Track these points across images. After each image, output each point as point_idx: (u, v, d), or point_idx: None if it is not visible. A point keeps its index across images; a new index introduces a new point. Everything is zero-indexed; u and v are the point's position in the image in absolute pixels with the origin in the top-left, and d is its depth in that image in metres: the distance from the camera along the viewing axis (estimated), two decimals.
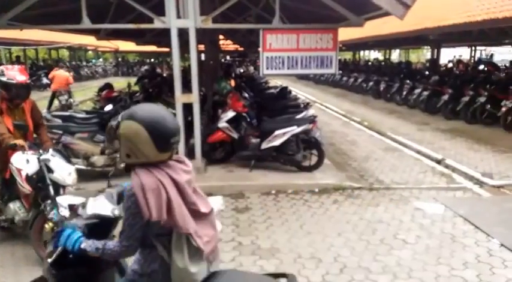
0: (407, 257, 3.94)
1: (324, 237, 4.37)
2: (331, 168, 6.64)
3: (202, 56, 11.03)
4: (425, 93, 12.33)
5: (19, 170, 3.56)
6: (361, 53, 32.01)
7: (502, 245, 4.16)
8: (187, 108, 6.22)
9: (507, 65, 16.89)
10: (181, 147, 6.12)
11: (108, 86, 8.40)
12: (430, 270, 3.71)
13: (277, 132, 6.22)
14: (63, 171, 3.59)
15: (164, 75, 13.15)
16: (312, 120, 6.53)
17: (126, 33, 11.44)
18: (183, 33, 6.05)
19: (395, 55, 36.23)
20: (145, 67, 12.33)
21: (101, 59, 39.50)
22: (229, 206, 5.24)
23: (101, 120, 6.10)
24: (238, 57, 28.28)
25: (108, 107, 6.45)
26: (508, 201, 5.46)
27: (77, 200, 3.25)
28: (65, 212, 3.31)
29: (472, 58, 23.87)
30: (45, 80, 19.44)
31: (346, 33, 16.87)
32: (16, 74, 3.79)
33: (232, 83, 7.85)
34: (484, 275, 3.63)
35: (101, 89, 8.80)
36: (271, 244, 4.21)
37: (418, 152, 8.15)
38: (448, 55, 25.35)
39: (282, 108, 7.69)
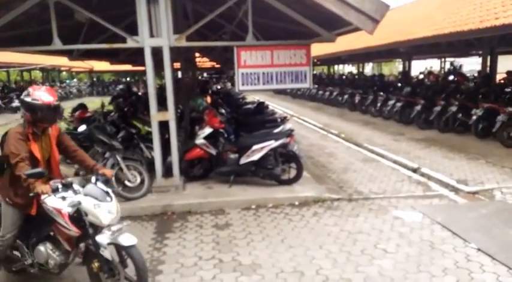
0: (388, 267, 3.96)
1: (305, 250, 4.36)
2: (310, 181, 6.66)
3: (180, 74, 11.05)
4: (399, 104, 12.61)
5: (58, 211, 3.18)
6: (336, 67, 32.64)
7: (479, 249, 4.24)
8: (164, 126, 6.18)
9: (475, 75, 17.50)
10: (158, 165, 6.08)
11: (82, 106, 8.28)
12: (411, 279, 3.74)
13: (255, 147, 6.23)
14: (99, 210, 3.15)
15: (139, 93, 13.08)
16: (289, 134, 6.56)
17: (100, 53, 11.35)
18: (158, 52, 6.05)
19: (369, 68, 37.09)
20: (121, 86, 12.27)
21: (75, 80, 38.91)
22: (209, 223, 5.17)
23: (75, 141, 5.98)
24: (215, 74, 28.41)
25: (82, 128, 6.34)
26: (483, 207, 5.58)
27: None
28: (107, 254, 3.21)
29: (442, 69, 24.66)
30: (16, 103, 18.99)
31: (320, 48, 17.27)
32: (42, 95, 3.30)
33: (209, 99, 7.84)
34: (463, 280, 3.68)
35: (74, 110, 8.65)
36: (252, 260, 4.16)
37: (395, 161, 8.29)
38: (419, 67, 26.10)
39: (259, 123, 7.72)
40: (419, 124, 11.52)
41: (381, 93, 14.25)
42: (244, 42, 6.33)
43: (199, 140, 6.49)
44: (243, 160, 6.27)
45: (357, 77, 23.69)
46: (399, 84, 16.08)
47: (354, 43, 15.27)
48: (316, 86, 21.53)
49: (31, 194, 3.11)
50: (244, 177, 6.44)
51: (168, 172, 6.19)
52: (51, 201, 3.20)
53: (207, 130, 6.56)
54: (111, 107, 9.05)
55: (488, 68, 13.31)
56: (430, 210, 5.41)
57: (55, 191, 3.15)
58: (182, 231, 4.93)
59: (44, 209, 3.27)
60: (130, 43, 5.98)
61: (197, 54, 15.97)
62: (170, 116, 6.05)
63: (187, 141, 7.13)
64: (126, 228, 3.30)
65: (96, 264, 3.27)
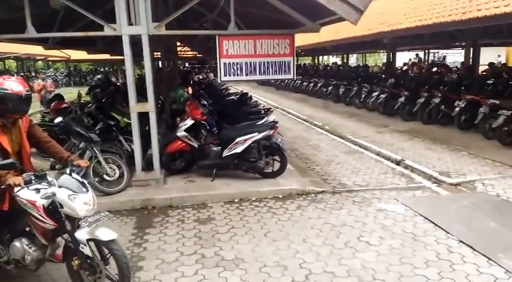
0: (371, 259, 3.94)
1: (289, 243, 4.31)
2: (294, 174, 6.60)
3: (160, 64, 10.82)
4: (383, 96, 12.63)
5: (33, 203, 3.06)
6: (321, 57, 32.63)
7: (460, 241, 4.25)
8: (145, 117, 6.02)
9: (458, 66, 17.68)
10: (138, 158, 5.93)
11: (58, 97, 8.02)
12: (393, 271, 3.72)
13: (238, 140, 6.12)
14: (75, 202, 3.04)
15: (118, 84, 12.79)
16: (273, 126, 6.47)
17: (77, 42, 11.03)
18: (137, 41, 5.87)
19: (353, 59, 37.22)
20: (99, 76, 11.96)
21: (51, 69, 37.86)
22: (191, 217, 5.07)
23: (50, 133, 5.77)
24: (197, 64, 28.07)
25: (58, 119, 6.13)
26: (464, 199, 5.61)
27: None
28: (87, 250, 3.09)
29: (426, 61, 24.87)
30: None
31: (304, 39, 17.15)
32: (12, 84, 3.17)
33: (190, 90, 7.69)
34: (445, 272, 3.68)
35: (50, 100, 8.38)
36: (235, 254, 4.09)
37: (378, 153, 8.30)
38: (403, 58, 26.27)
39: (242, 115, 7.60)
40: (403, 116, 11.57)
41: (365, 85, 14.26)
42: (226, 31, 6.20)
43: (181, 132, 6.34)
44: (226, 153, 6.16)
45: (341, 68, 23.70)
46: (383, 76, 16.11)
47: (338, 34, 15.21)
48: (300, 77, 21.44)
49: (3, 187, 2.99)
50: (227, 170, 6.34)
51: (148, 165, 6.05)
52: (24, 194, 3.08)
53: (189, 122, 6.41)
54: (88, 98, 8.78)
55: (471, 60, 13.43)
56: (412, 202, 5.42)
57: (28, 182, 3.03)
58: (163, 226, 4.82)
59: (17, 203, 3.14)
60: (108, 31, 5.78)
61: (179, 44, 15.74)
62: (150, 107, 5.89)
63: (168, 133, 6.98)
64: (105, 219, 3.19)
65: (76, 262, 3.16)
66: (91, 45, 12.10)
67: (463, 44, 15.04)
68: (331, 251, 4.13)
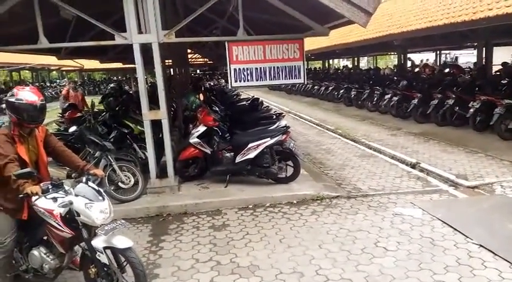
0: (389, 265, 3.87)
1: (304, 249, 4.27)
2: (308, 179, 6.56)
3: (172, 71, 10.89)
4: (395, 98, 12.51)
5: (50, 212, 3.09)
6: (331, 61, 32.51)
7: (480, 246, 4.16)
8: (158, 125, 6.05)
9: (471, 67, 17.42)
10: (152, 165, 5.95)
11: (72, 107, 8.12)
12: (412, 277, 3.65)
13: (250, 145, 6.11)
14: (91, 210, 3.04)
15: (131, 92, 12.90)
16: (285, 130, 6.43)
17: (89, 52, 11.17)
18: (148, 49, 5.92)
19: (364, 62, 36.99)
20: (112, 85, 12.10)
21: (65, 79, 38.43)
22: (205, 224, 5.06)
23: (66, 142, 5.84)
24: (208, 70, 28.21)
25: (72, 128, 6.20)
26: (483, 202, 5.50)
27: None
28: (103, 258, 3.11)
29: (436, 62, 24.58)
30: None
31: (314, 42, 17.16)
32: (27, 94, 3.21)
33: (202, 97, 7.70)
34: (465, 278, 3.59)
35: (64, 110, 8.48)
36: (250, 261, 4.06)
37: (393, 157, 8.21)
38: (415, 60, 26.01)
39: (254, 120, 7.59)
40: (417, 118, 11.44)
41: (377, 88, 14.14)
42: (235, 37, 6.21)
43: (193, 139, 6.35)
44: (239, 158, 6.15)
45: (352, 71, 23.57)
46: (395, 78, 15.95)
47: (348, 37, 15.14)
48: (311, 81, 21.38)
49: (20, 196, 2.99)
50: (240, 176, 6.33)
51: (162, 172, 6.07)
52: (42, 203, 3.11)
53: (201, 128, 6.42)
54: (102, 107, 8.87)
55: (483, 60, 13.22)
56: (430, 206, 5.33)
57: (45, 191, 3.04)
58: (178, 233, 4.82)
59: (35, 212, 3.18)
60: (119, 40, 5.85)
61: (189, 51, 15.85)
62: (162, 114, 5.92)
63: (181, 140, 6.99)
64: (121, 227, 3.21)
65: (93, 270, 3.17)
66: (103, 54, 12.26)
67: (475, 44, 14.83)
68: (348, 257, 4.08)
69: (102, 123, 6.75)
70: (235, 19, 6.61)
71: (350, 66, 27.93)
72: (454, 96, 10.33)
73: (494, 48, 13.89)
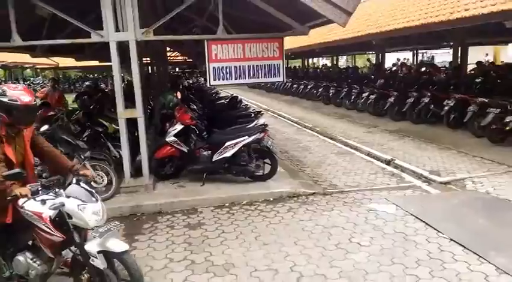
0: (362, 260, 3.93)
1: (279, 246, 4.28)
2: (285, 176, 6.59)
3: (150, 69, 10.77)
4: (373, 96, 12.69)
5: (39, 215, 2.94)
6: (310, 60, 32.71)
7: (451, 240, 4.26)
8: (133, 123, 5.98)
9: (447, 66, 17.80)
10: (126, 164, 5.88)
11: (45, 105, 7.93)
12: (384, 271, 3.71)
13: (228, 143, 6.11)
14: (84, 212, 2.92)
15: (107, 90, 12.71)
16: (263, 129, 6.45)
17: (65, 49, 10.93)
18: (126, 47, 5.84)
19: (343, 61, 37.35)
20: (87, 83, 11.84)
21: (40, 77, 37.46)
22: (180, 223, 5.03)
23: None
24: (187, 68, 28.02)
25: (44, 127, 6.05)
26: (454, 197, 5.64)
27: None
28: (98, 263, 2.95)
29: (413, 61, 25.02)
30: None
31: (293, 41, 17.24)
32: (21, 94, 3.04)
33: (179, 95, 7.65)
34: (436, 271, 3.68)
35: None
36: (225, 259, 4.06)
37: (369, 154, 8.32)
38: (392, 59, 26.43)
39: (232, 119, 7.57)
40: (393, 116, 11.63)
41: (355, 86, 14.32)
42: (214, 36, 6.19)
43: (170, 138, 6.30)
44: (216, 157, 6.14)
45: (331, 70, 23.78)
46: (373, 77, 16.18)
47: (328, 36, 15.27)
48: (290, 79, 21.49)
49: (8, 198, 2.83)
50: (217, 174, 6.32)
51: (137, 172, 6.00)
52: (29, 206, 2.94)
53: (178, 127, 6.38)
54: (76, 105, 8.70)
55: (459, 59, 13.54)
56: (403, 202, 5.42)
57: (35, 193, 2.88)
58: (152, 233, 4.77)
59: (21, 215, 3.00)
60: (95, 38, 5.75)
61: (168, 49, 15.70)
62: (138, 113, 5.85)
63: (157, 139, 6.92)
64: (115, 229, 3.10)
65: (85, 276, 3.01)
66: (79, 52, 12.02)
67: (451, 43, 15.13)
68: (322, 253, 4.11)
69: (76, 122, 6.62)
70: (214, 17, 6.59)
71: (329, 65, 28.18)
72: (429, 94, 10.55)
73: (469, 48, 14.21)
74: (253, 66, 6.35)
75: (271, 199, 5.69)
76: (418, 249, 4.11)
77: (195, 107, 8.12)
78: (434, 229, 4.52)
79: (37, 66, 33.21)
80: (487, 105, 8.32)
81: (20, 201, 2.93)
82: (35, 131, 3.41)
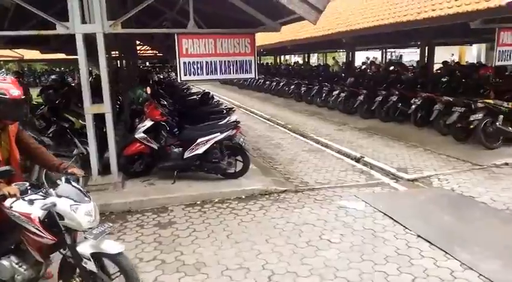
0: (332, 257, 3.97)
1: (251, 245, 4.27)
2: (257, 173, 6.58)
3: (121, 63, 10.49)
4: (343, 94, 12.86)
5: (27, 216, 2.75)
6: (283, 57, 32.88)
7: (418, 236, 4.36)
8: (102, 119, 5.80)
9: (414, 65, 18.29)
10: (94, 161, 5.70)
11: None
12: (354, 268, 3.77)
13: (199, 140, 6.03)
14: (77, 213, 2.77)
15: (73, 84, 12.31)
16: (235, 125, 6.41)
17: (29, 41, 10.50)
18: (94, 40, 5.65)
19: (315, 59, 37.72)
20: (53, 76, 11.40)
21: (3, 70, 35.90)
22: (150, 222, 4.92)
23: None
24: (158, 63, 27.55)
25: None
26: (421, 194, 5.79)
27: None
28: (91, 266, 2.79)
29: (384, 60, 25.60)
30: None
31: (265, 38, 17.22)
32: (10, 88, 2.85)
33: (149, 90, 7.48)
34: (404, 267, 3.76)
35: None
36: (196, 258, 4.01)
37: (339, 151, 8.44)
38: (362, 58, 26.92)
39: (204, 115, 7.50)
40: (362, 114, 11.83)
41: (326, 84, 14.47)
42: (185, 30, 6.08)
43: (139, 134, 6.15)
44: (187, 154, 6.05)
45: (302, 67, 23.95)
46: (343, 75, 16.42)
47: (299, 33, 15.35)
48: (262, 76, 21.50)
49: None
50: (188, 172, 6.23)
51: (105, 169, 5.83)
52: (17, 206, 2.75)
53: (148, 123, 6.24)
54: (41, 100, 8.37)
55: (426, 59, 13.92)
56: (372, 199, 5.53)
57: (24, 193, 2.71)
58: (121, 232, 4.65)
59: (6, 217, 2.81)
60: (60, 30, 5.52)
61: (138, 42, 15.36)
62: (106, 108, 5.68)
63: (126, 135, 6.75)
64: (109, 230, 2.94)
65: (77, 280, 2.86)
66: (45, 44, 11.56)
67: (419, 43, 15.54)
68: (294, 250, 4.13)
69: (41, 117, 6.35)
70: (185, 11, 6.47)
71: (301, 62, 28.38)
72: (397, 93, 10.79)
73: (436, 47, 14.63)
74: (224, 62, 6.29)
75: (243, 197, 5.67)
76: (386, 245, 4.19)
77: (165, 102, 7.96)
78: (402, 226, 4.62)
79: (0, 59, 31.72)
80: (452, 104, 8.57)
81: (8, 202, 2.74)
82: (19, 126, 3.19)
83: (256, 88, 21.88)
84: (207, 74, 6.28)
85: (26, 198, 2.73)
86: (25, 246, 2.91)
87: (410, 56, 28.69)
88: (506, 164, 6.81)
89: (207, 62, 6.20)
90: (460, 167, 6.86)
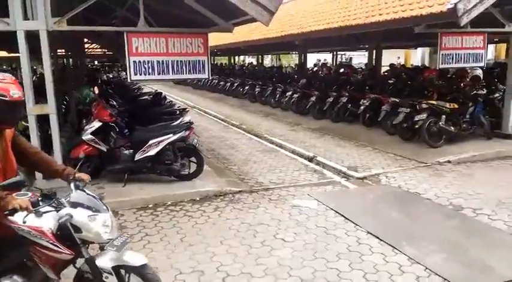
0: (286, 256, 4.02)
1: (205, 247, 4.22)
2: (212, 175, 6.53)
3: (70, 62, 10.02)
4: (296, 95, 13.09)
5: (39, 230, 2.45)
6: (237, 57, 32.93)
7: (368, 232, 4.51)
8: (46, 120, 5.51)
9: (363, 67, 18.93)
10: None
11: None
12: (308, 266, 3.82)
13: (151, 142, 5.90)
14: (95, 224, 2.51)
15: None
16: (189, 126, 6.33)
17: None
18: (38, 37, 5.35)
19: (268, 60, 38.11)
20: None
21: None
22: None
23: None
24: (108, 62, 26.66)
25: None
26: (370, 192, 6.00)
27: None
28: (113, 280, 2.51)
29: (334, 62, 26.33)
30: None
31: (219, 39, 17.15)
32: (10, 88, 2.47)
33: (96, 90, 7.21)
34: (355, 263, 3.87)
35: None
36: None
37: (293, 151, 8.56)
38: (313, 60, 27.54)
39: (156, 116, 7.34)
40: (315, 114, 12.09)
41: (279, 85, 14.66)
42: (135, 28, 5.91)
43: (87, 136, 5.91)
44: (138, 156, 5.89)
45: (256, 68, 24.11)
46: (296, 76, 16.69)
47: (252, 34, 15.44)
48: (217, 76, 21.41)
49: (6, 213, 2.32)
50: (140, 174, 6.07)
51: None
52: (28, 220, 2.41)
53: (96, 124, 6.01)
54: None
55: (374, 61, 14.46)
56: (324, 197, 5.65)
57: (35, 205, 2.40)
58: None
59: (8, 232, 2.48)
60: (0, 26, 5.19)
61: (87, 40, 14.77)
62: (50, 109, 5.41)
63: (73, 136, 6.45)
64: (129, 241, 2.70)
65: None
66: None
67: (367, 46, 16.12)
68: (248, 251, 4.13)
69: None
70: (136, 9, 6.30)
71: (255, 63, 28.55)
72: (347, 94, 11.13)
73: (383, 50, 15.24)
74: (177, 61, 6.19)
75: (198, 198, 5.60)
76: (338, 242, 4.29)
77: (114, 102, 7.70)
78: (353, 223, 4.76)
79: None
80: (399, 105, 8.96)
81: (18, 217, 2.38)
82: (15, 130, 2.84)
83: (211, 88, 21.75)
84: (159, 73, 6.15)
85: (42, 210, 2.43)
86: (32, 263, 2.60)
87: (360, 58, 29.71)
88: (449, 161, 7.20)
89: (158, 62, 6.07)
90: (406, 165, 7.17)
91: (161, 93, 10.04)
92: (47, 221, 2.48)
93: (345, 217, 4.92)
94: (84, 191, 2.69)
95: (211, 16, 6.12)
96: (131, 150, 6.04)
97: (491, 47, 21.72)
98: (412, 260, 3.91)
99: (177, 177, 6.12)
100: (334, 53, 26.60)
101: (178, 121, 6.53)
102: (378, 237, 4.37)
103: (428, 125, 7.97)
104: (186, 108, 8.47)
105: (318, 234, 4.48)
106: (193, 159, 6.28)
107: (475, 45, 8.29)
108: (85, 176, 2.85)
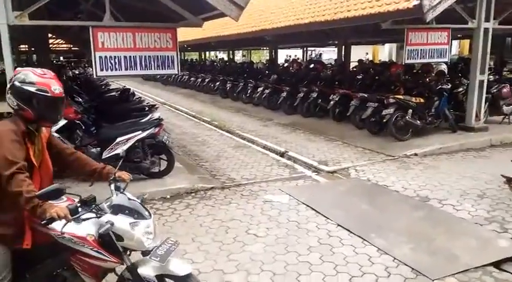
0: (258, 251, 4.02)
1: None
2: (183, 171, 6.46)
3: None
4: (267, 91, 13.11)
5: (81, 238, 2.32)
6: (208, 53, 32.68)
7: (338, 225, 4.58)
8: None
9: (332, 63, 19.18)
10: None
11: None
12: (279, 260, 3.84)
13: (119, 139, 5.77)
14: (138, 231, 2.36)
15: None
16: (158, 123, 6.22)
17: None
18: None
19: (240, 56, 38.06)
20: None
21: None
22: None
23: None
24: (74, 57, 25.89)
25: None
26: (340, 185, 6.10)
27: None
28: None
29: (304, 58, 26.56)
30: None
31: (189, 34, 16.98)
32: (51, 84, 2.35)
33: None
34: (326, 256, 3.92)
35: None
36: None
37: (264, 146, 8.59)
38: (283, 55, 27.69)
39: (124, 113, 7.16)
40: (286, 110, 12.15)
41: (251, 81, 14.65)
42: (100, 23, 5.76)
43: None
44: (106, 154, 5.74)
45: (227, 64, 24.00)
46: (267, 72, 16.73)
47: (223, 30, 15.34)
48: (187, 72, 21.18)
49: (43, 222, 2.17)
50: None
51: None
52: (68, 227, 2.26)
53: (60, 122, 5.81)
54: None
55: (343, 57, 14.68)
56: (295, 192, 5.70)
57: (74, 213, 2.23)
58: None
59: (45, 239, 2.35)
60: None
61: (51, 36, 14.29)
62: (8, 107, 5.18)
63: None
64: (175, 249, 2.50)
65: None
66: None
67: (336, 42, 16.34)
68: (220, 247, 4.12)
69: None
70: (102, 3, 6.13)
71: (226, 59, 28.42)
72: (317, 90, 11.24)
73: (352, 46, 15.48)
74: (145, 57, 6.10)
75: (169, 196, 5.53)
76: (309, 236, 4.34)
77: (80, 99, 7.48)
78: (324, 216, 4.82)
79: None
80: (367, 99, 9.12)
81: (57, 225, 2.23)
82: (50, 129, 2.71)
83: (181, 84, 21.48)
84: (126, 69, 6.05)
85: (83, 217, 2.29)
86: (69, 272, 2.48)
87: (329, 54, 30.06)
88: (415, 154, 7.40)
89: (125, 57, 5.96)
90: (375, 158, 7.33)
91: (129, 89, 9.83)
92: (89, 228, 2.36)
93: (316, 211, 4.98)
94: (125, 195, 2.54)
95: (180, 11, 6.04)
96: (98, 149, 5.88)
97: (455, 42, 22.48)
98: (381, 251, 3.99)
99: (147, 175, 6.02)
100: (305, 49, 26.83)
101: (147, 118, 6.41)
102: (348, 230, 4.45)
103: (396, 119, 8.16)
104: (155, 105, 8.33)
105: (289, 229, 4.51)
106: (163, 156, 6.19)
107: (440, 41, 8.55)
108: (126, 176, 2.68)
